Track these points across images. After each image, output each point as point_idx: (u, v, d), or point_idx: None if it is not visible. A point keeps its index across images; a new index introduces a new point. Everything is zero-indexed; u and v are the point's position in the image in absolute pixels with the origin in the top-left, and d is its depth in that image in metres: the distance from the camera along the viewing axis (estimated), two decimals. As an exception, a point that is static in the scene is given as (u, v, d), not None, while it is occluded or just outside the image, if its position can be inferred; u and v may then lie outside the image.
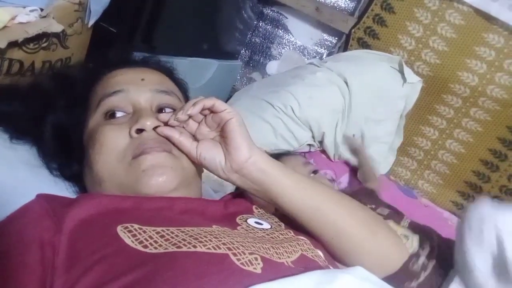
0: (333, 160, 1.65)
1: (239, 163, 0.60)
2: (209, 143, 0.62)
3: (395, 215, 1.20)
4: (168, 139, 0.62)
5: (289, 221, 0.66)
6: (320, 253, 0.60)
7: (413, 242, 1.07)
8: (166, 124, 0.63)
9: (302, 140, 1.59)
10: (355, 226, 0.64)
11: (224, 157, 0.61)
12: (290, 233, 0.61)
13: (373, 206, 1.21)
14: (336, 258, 0.66)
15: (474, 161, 1.67)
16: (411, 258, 1.02)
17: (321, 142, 1.63)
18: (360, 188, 1.45)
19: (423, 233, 1.12)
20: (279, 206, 0.64)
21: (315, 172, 1.28)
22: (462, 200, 1.72)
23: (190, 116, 0.62)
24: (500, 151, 1.62)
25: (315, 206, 0.62)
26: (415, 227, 1.15)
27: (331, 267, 0.58)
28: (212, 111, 0.61)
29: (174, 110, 0.68)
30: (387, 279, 0.93)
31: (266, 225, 0.61)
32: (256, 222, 0.61)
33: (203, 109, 0.61)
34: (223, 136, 0.62)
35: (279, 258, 0.51)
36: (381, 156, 1.70)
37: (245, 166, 0.61)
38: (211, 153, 0.62)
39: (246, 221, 0.61)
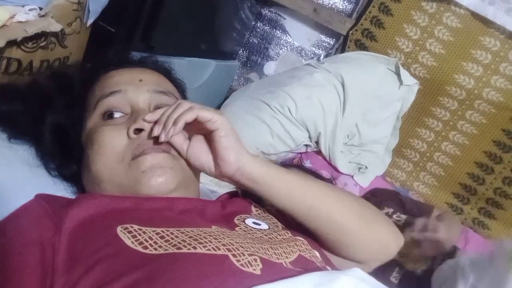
0: (328, 161, 1.65)
1: (227, 174, 0.61)
2: (198, 148, 0.62)
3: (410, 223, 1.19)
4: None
5: (286, 221, 0.66)
6: (317, 253, 0.60)
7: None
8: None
9: (299, 141, 1.59)
10: (349, 218, 0.65)
11: (213, 164, 0.61)
12: (288, 233, 0.61)
13: (390, 211, 1.22)
14: (334, 252, 0.67)
15: (469, 164, 1.68)
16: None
17: (317, 143, 1.63)
18: (386, 191, 1.46)
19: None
20: (274, 206, 0.64)
21: None
22: (457, 202, 1.73)
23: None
24: (495, 153, 1.63)
25: (308, 205, 0.63)
26: None
27: (328, 267, 0.58)
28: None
29: None
30: None
31: (264, 226, 0.62)
32: (254, 223, 0.62)
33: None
34: (210, 141, 0.61)
35: (278, 258, 0.51)
36: (377, 157, 1.71)
37: (234, 176, 0.61)
38: (200, 160, 0.62)
39: (244, 221, 0.61)
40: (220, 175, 0.61)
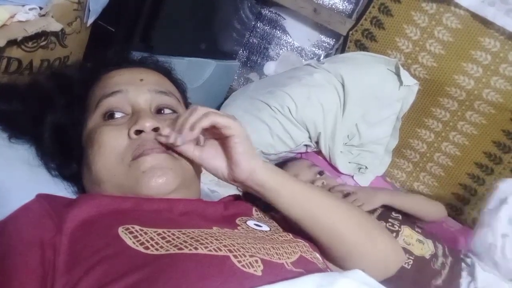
0: (328, 161, 1.65)
1: (240, 179, 0.61)
2: (212, 153, 0.62)
3: (408, 220, 1.22)
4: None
5: (287, 225, 0.66)
6: (318, 255, 0.61)
7: (429, 245, 1.14)
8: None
9: (299, 141, 1.59)
10: (352, 232, 0.65)
11: (226, 169, 0.61)
12: (289, 235, 0.61)
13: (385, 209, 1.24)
14: (334, 262, 0.67)
15: (469, 164, 1.68)
16: (431, 258, 1.10)
17: (317, 143, 1.63)
18: None
19: (433, 237, 1.19)
20: (280, 211, 0.65)
21: (320, 173, 1.29)
22: (457, 202, 1.73)
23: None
24: (495, 154, 1.63)
25: (312, 214, 0.63)
26: (426, 233, 1.21)
27: (329, 269, 0.58)
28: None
29: (173, 111, 0.68)
30: (415, 278, 1.03)
31: (265, 228, 0.62)
32: (256, 224, 0.62)
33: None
34: (224, 145, 0.61)
35: (279, 258, 0.52)
36: (377, 158, 1.71)
37: (246, 182, 0.61)
38: (213, 165, 0.62)
39: (245, 222, 0.61)
40: (232, 179, 0.62)
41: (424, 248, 1.13)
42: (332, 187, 1.23)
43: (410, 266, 1.08)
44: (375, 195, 1.23)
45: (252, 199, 0.69)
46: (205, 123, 0.57)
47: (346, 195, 1.20)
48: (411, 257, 1.10)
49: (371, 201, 1.19)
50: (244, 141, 0.60)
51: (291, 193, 0.63)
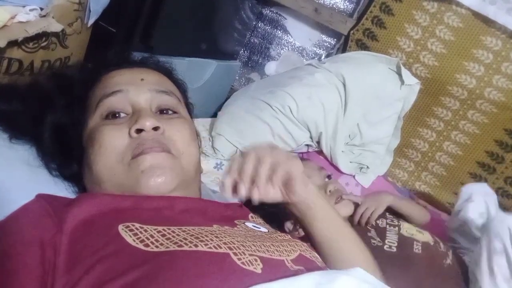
0: (330, 161, 1.65)
1: (293, 202, 0.63)
2: (270, 189, 0.61)
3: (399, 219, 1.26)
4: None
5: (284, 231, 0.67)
6: (317, 254, 0.61)
7: (427, 235, 1.18)
8: None
9: (300, 141, 1.59)
10: (366, 264, 0.67)
11: (282, 197, 0.62)
12: (287, 236, 0.62)
13: None
14: None
15: (471, 163, 1.68)
16: (435, 243, 1.15)
17: (318, 143, 1.63)
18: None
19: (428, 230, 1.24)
20: (308, 228, 0.67)
21: (329, 177, 1.30)
22: (458, 201, 1.73)
23: None
24: (497, 153, 1.63)
25: (333, 239, 0.66)
26: (422, 226, 1.27)
27: (328, 268, 0.58)
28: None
29: (174, 111, 0.68)
30: (428, 261, 1.09)
31: (263, 229, 0.62)
32: (254, 226, 0.62)
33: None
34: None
35: (280, 255, 0.52)
36: (378, 157, 1.71)
37: (296, 204, 0.64)
38: (272, 198, 0.62)
39: (244, 223, 0.62)
40: (285, 203, 0.64)
41: (425, 236, 1.17)
42: (340, 194, 1.23)
43: (420, 251, 1.11)
44: (380, 198, 1.25)
45: (250, 207, 0.70)
46: (282, 172, 0.59)
47: (356, 205, 1.22)
48: (418, 243, 1.13)
49: (381, 205, 1.22)
50: (302, 174, 0.62)
51: (326, 216, 0.66)
